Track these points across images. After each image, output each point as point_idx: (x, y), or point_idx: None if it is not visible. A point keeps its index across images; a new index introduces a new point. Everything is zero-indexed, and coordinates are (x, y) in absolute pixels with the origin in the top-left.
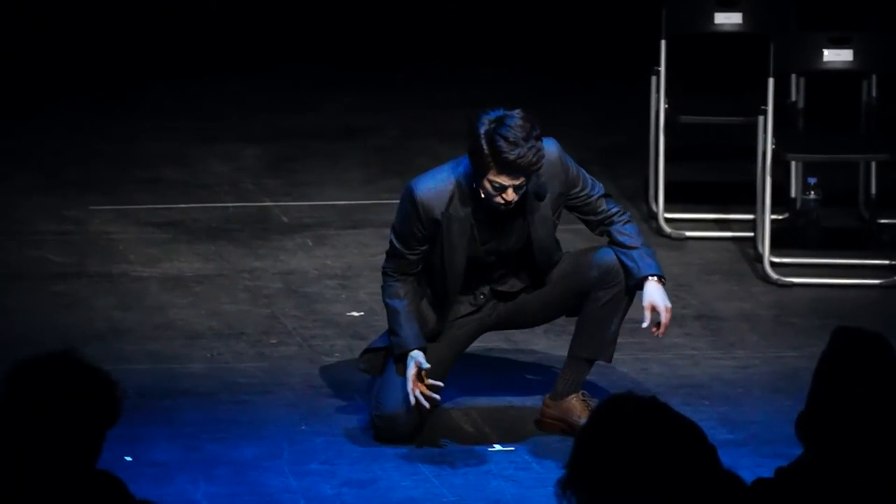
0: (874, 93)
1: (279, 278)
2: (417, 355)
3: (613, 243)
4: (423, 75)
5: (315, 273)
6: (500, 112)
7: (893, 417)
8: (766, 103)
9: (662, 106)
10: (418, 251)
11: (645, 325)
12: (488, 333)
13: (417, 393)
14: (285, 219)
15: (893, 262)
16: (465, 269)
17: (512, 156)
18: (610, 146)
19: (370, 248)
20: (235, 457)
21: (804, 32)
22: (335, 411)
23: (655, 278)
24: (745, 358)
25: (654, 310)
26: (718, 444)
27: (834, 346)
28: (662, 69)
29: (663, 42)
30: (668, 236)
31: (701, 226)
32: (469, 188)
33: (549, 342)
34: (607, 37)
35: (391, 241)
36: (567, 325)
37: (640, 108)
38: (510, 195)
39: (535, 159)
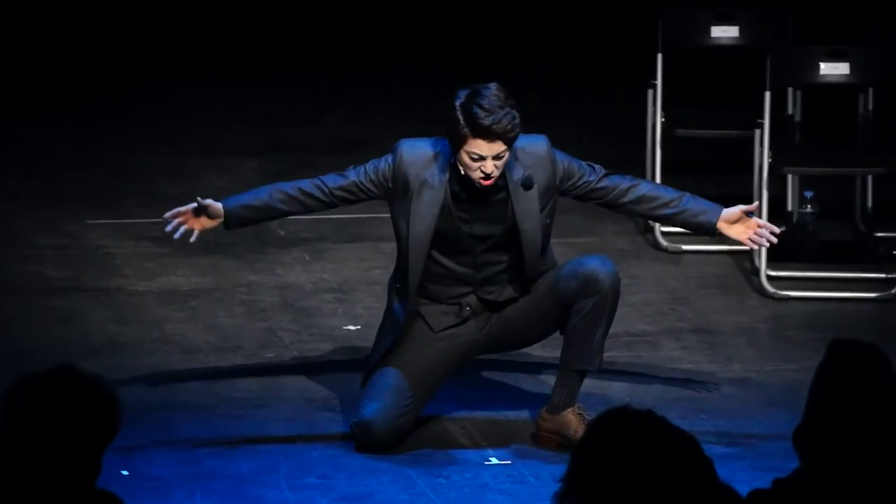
0: (871, 106)
1: (276, 292)
2: (211, 201)
3: (655, 209)
4: (420, 88)
5: (311, 287)
6: (475, 86)
7: (890, 430)
8: (762, 117)
9: (659, 119)
10: (363, 188)
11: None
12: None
13: (176, 221)
14: (282, 233)
15: (890, 276)
16: (429, 246)
17: (487, 121)
18: (606, 159)
19: (367, 262)
20: (232, 471)
21: (801, 46)
22: (332, 425)
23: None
24: (741, 371)
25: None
26: (715, 457)
27: (831, 359)
28: (659, 82)
29: (660, 55)
30: (665, 250)
31: (697, 239)
32: (452, 163)
33: (545, 354)
34: (604, 50)
35: (352, 169)
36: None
37: (636, 121)
38: (489, 166)
39: (509, 125)
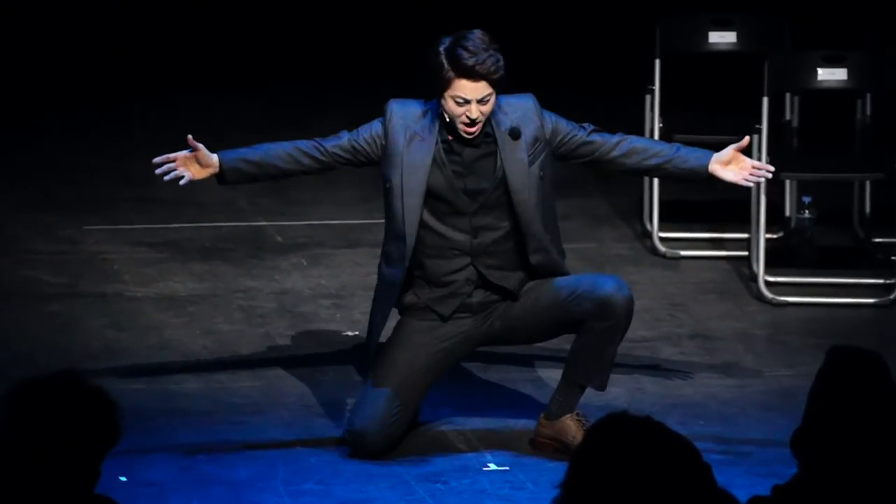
0: (868, 111)
1: (273, 298)
2: (203, 147)
3: (646, 160)
4: (417, 94)
5: (309, 293)
6: (459, 31)
7: (889, 436)
8: (760, 122)
9: (657, 125)
10: (358, 148)
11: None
12: (483, 352)
13: (166, 166)
14: (280, 238)
15: (888, 281)
16: (424, 198)
17: (471, 61)
18: None
19: (365, 268)
20: (230, 477)
21: (798, 51)
22: (330, 431)
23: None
24: (739, 377)
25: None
26: (713, 463)
27: (830, 365)
28: (657, 88)
29: (658, 61)
30: (663, 255)
31: (695, 245)
32: (441, 116)
33: (543, 361)
34: (602, 56)
35: (344, 133)
36: (561, 344)
37: (634, 126)
38: (474, 111)
39: (493, 67)
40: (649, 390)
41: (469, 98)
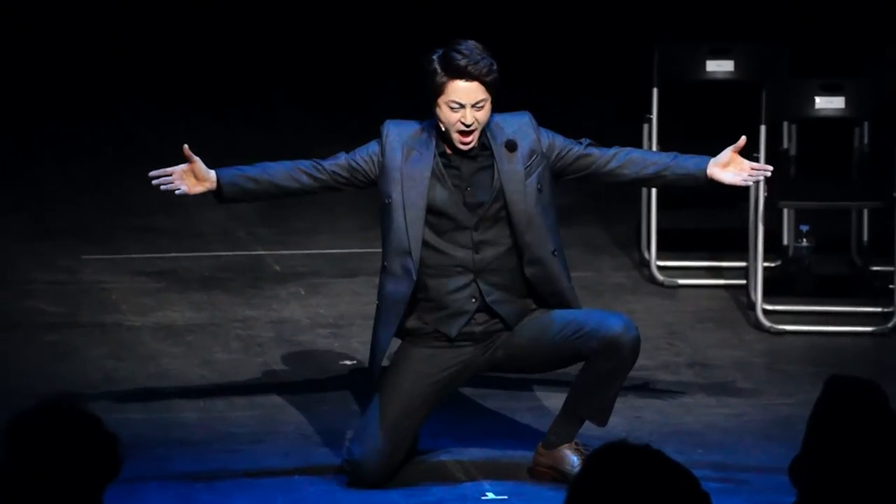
0: (866, 140)
1: (272, 327)
2: (199, 160)
3: (644, 169)
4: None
5: (308, 322)
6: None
7: (887, 464)
8: (758, 150)
9: None
10: (357, 167)
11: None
12: (481, 381)
13: (162, 178)
14: (278, 268)
15: (886, 310)
16: (425, 211)
17: (463, 62)
18: (602, 193)
19: (363, 297)
20: None
21: (796, 80)
22: (328, 460)
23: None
24: (737, 405)
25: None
26: (711, 491)
27: (828, 394)
28: (654, 116)
29: (655, 90)
30: (661, 284)
31: (693, 273)
32: (437, 133)
33: (542, 390)
34: (599, 84)
35: (342, 154)
36: (561, 373)
37: None
38: (469, 116)
39: (486, 69)
40: (648, 419)
41: (463, 102)
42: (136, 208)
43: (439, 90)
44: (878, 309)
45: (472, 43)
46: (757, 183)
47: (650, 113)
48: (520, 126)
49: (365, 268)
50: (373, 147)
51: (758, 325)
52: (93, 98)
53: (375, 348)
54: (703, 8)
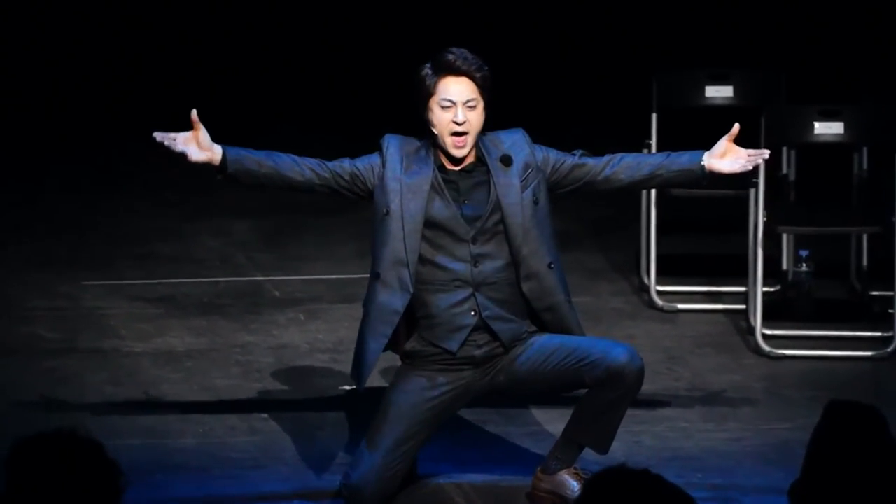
0: (865, 165)
1: (271, 353)
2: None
3: (640, 170)
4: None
5: (307, 347)
6: None
7: (886, 489)
8: (757, 176)
9: None
10: (358, 173)
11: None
12: (481, 406)
13: (166, 139)
14: (277, 293)
15: (885, 334)
16: (423, 225)
17: (453, 58)
18: (601, 218)
19: None
20: None
21: (795, 105)
22: (328, 485)
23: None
24: (737, 430)
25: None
26: None
27: (828, 419)
28: (654, 142)
29: (654, 115)
30: (660, 309)
31: (693, 298)
32: (434, 149)
33: (542, 415)
34: (598, 109)
35: (345, 159)
36: (560, 398)
37: None
38: (461, 113)
39: (477, 66)
40: (647, 443)
41: (454, 99)
42: (135, 234)
43: (431, 90)
44: (878, 334)
45: (462, 49)
46: (755, 175)
47: (649, 138)
48: (514, 141)
49: (363, 293)
50: (374, 158)
51: (757, 350)
52: (92, 126)
53: (363, 359)
54: (702, 34)
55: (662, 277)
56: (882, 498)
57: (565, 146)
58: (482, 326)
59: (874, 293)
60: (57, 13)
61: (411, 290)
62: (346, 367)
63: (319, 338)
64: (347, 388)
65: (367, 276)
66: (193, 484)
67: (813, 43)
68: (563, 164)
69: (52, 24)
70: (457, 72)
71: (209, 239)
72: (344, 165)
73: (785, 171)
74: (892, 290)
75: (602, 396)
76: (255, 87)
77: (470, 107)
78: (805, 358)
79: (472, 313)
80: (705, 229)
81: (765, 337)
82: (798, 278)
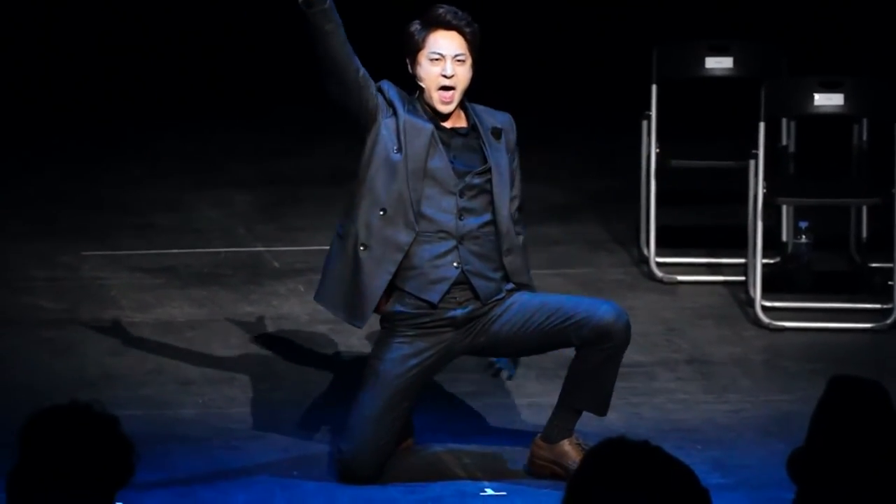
0: (865, 137)
1: (271, 323)
2: None
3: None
4: None
5: (307, 318)
6: None
7: (888, 462)
8: (757, 147)
9: (654, 150)
10: (375, 94)
11: None
12: (478, 378)
13: None
14: (277, 264)
15: (885, 306)
16: (425, 176)
17: (443, 12)
18: (601, 190)
19: None
20: (228, 503)
21: (795, 77)
22: (327, 457)
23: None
24: (736, 402)
25: None
26: (711, 487)
27: (831, 394)
28: (654, 113)
29: (654, 87)
30: (660, 280)
31: (692, 270)
32: (425, 106)
33: (540, 386)
34: (599, 81)
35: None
36: (558, 368)
37: (631, 152)
38: (449, 67)
39: (465, 21)
40: (646, 415)
41: (444, 52)
42: (135, 205)
43: (420, 44)
44: (878, 305)
45: (451, 6)
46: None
47: (649, 110)
48: (506, 121)
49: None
50: (380, 97)
51: (757, 322)
52: (93, 98)
53: (365, 295)
54: (702, 5)
55: (662, 249)
56: (886, 473)
57: (569, 125)
58: (463, 281)
59: (874, 265)
60: None
61: (416, 230)
62: (346, 337)
63: (319, 308)
64: (348, 358)
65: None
66: (193, 454)
67: (813, 14)
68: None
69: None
70: (446, 25)
71: (209, 209)
72: (372, 83)
73: (785, 142)
74: (891, 261)
75: (592, 357)
76: (254, 63)
77: (459, 61)
78: (805, 330)
79: (455, 265)
80: (705, 201)
81: (764, 309)
82: (798, 250)
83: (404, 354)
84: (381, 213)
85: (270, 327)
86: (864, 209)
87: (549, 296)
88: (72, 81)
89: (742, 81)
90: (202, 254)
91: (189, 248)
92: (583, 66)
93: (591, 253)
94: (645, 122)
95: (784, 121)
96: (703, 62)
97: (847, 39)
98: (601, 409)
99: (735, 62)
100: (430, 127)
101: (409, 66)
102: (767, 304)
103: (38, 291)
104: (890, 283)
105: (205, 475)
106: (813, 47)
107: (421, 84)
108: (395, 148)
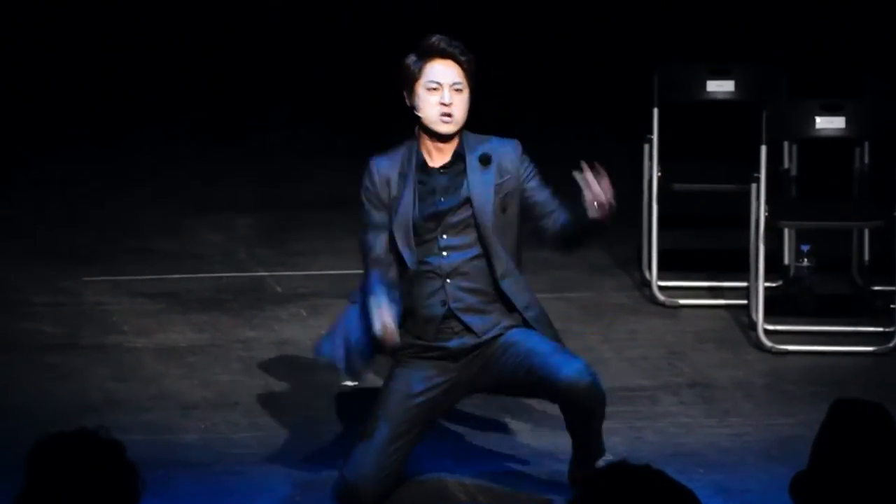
0: (866, 160)
1: (273, 348)
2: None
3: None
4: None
5: (309, 343)
6: None
7: (893, 488)
8: (758, 170)
9: (655, 173)
10: (373, 204)
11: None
12: (481, 402)
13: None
14: (279, 288)
15: (887, 329)
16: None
17: (438, 41)
18: None
19: None
20: None
21: (796, 100)
22: (330, 481)
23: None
24: (739, 426)
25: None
26: None
27: (834, 418)
28: (655, 137)
29: (656, 110)
30: (662, 304)
31: (694, 293)
32: (417, 148)
33: (542, 406)
34: (600, 104)
35: (361, 208)
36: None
37: (632, 175)
38: (447, 96)
39: (461, 50)
40: (649, 439)
41: (441, 81)
42: (136, 230)
43: (417, 75)
44: (880, 329)
45: (445, 35)
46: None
47: (651, 133)
48: (502, 145)
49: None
50: (368, 187)
51: (759, 345)
52: (92, 119)
53: (347, 333)
54: (703, 29)
55: (664, 272)
56: (888, 495)
57: (570, 147)
58: (452, 317)
59: (876, 288)
60: (56, 7)
61: (410, 270)
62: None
63: (321, 333)
64: (349, 383)
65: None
66: (196, 479)
67: (814, 38)
68: (533, 191)
69: (51, 19)
70: (442, 54)
71: (210, 234)
72: (372, 214)
73: (786, 165)
74: (893, 284)
75: (568, 417)
76: (250, 76)
77: (456, 89)
78: (807, 353)
79: (443, 304)
80: (707, 224)
81: (766, 332)
82: (799, 273)
83: (410, 384)
84: (385, 267)
85: (272, 352)
86: (866, 232)
87: (533, 346)
88: (73, 104)
89: (743, 105)
90: (204, 278)
91: (190, 273)
92: (584, 89)
93: (593, 277)
94: (646, 146)
95: (785, 144)
96: (704, 85)
97: (848, 61)
98: (597, 459)
99: (736, 85)
100: (412, 187)
101: (406, 98)
102: (769, 327)
103: (39, 316)
104: (892, 306)
105: (208, 500)
106: (814, 70)
107: (419, 114)
108: (388, 214)
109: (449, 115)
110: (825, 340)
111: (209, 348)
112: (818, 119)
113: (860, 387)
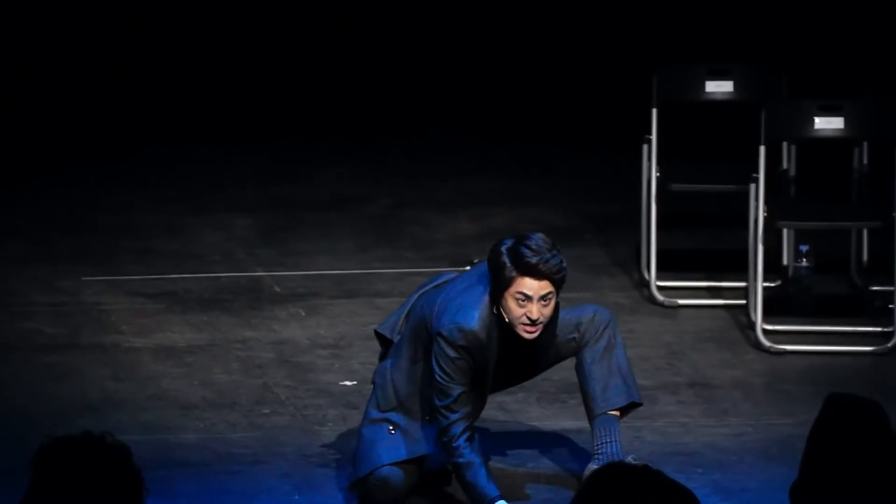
0: (865, 160)
1: (272, 348)
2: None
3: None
4: (414, 144)
5: (308, 343)
6: (520, 233)
7: (886, 483)
8: (757, 171)
9: (654, 174)
10: (466, 376)
11: None
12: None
13: None
14: (278, 288)
15: (886, 329)
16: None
17: (534, 259)
18: (602, 214)
19: (362, 318)
20: None
21: (795, 100)
22: (328, 481)
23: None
24: (737, 425)
25: None
26: None
27: (827, 414)
28: (654, 137)
29: (654, 110)
30: (661, 304)
31: (693, 293)
32: (496, 313)
33: (542, 410)
34: (599, 105)
35: (445, 385)
36: (559, 392)
37: (631, 176)
38: (535, 310)
39: (556, 267)
40: (647, 439)
41: (530, 294)
42: (135, 230)
43: (507, 283)
44: (878, 328)
45: (540, 237)
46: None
47: (650, 134)
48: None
49: (364, 289)
50: (467, 360)
51: (758, 345)
52: (92, 120)
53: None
54: (702, 29)
55: (663, 272)
56: (882, 492)
57: (569, 149)
58: None
59: (874, 288)
60: (58, 10)
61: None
62: (347, 362)
63: (320, 333)
64: (348, 383)
65: (368, 271)
66: (195, 479)
67: (813, 38)
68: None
69: (52, 21)
70: (537, 275)
71: (210, 234)
72: (463, 391)
73: (785, 166)
74: (892, 284)
75: (589, 358)
76: (256, 83)
77: (545, 302)
78: (806, 353)
79: None
80: (706, 224)
81: (765, 332)
82: (798, 273)
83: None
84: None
85: (271, 352)
86: (865, 232)
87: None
88: (72, 106)
89: (742, 105)
90: (203, 278)
91: (190, 273)
92: (583, 89)
93: (592, 277)
94: (645, 146)
95: (784, 144)
96: (703, 86)
97: (847, 61)
98: (634, 396)
99: (735, 86)
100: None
101: (494, 292)
102: (768, 327)
103: (38, 317)
104: (891, 306)
105: (206, 500)
106: (813, 70)
107: (505, 315)
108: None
109: (533, 328)
110: (824, 340)
111: (208, 348)
112: (817, 119)
113: (859, 387)
